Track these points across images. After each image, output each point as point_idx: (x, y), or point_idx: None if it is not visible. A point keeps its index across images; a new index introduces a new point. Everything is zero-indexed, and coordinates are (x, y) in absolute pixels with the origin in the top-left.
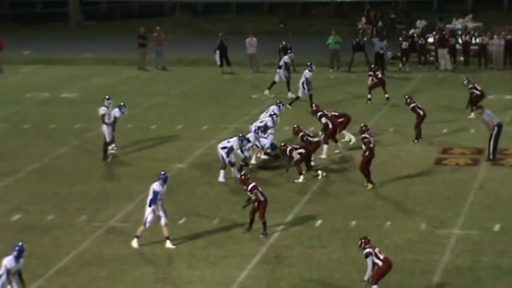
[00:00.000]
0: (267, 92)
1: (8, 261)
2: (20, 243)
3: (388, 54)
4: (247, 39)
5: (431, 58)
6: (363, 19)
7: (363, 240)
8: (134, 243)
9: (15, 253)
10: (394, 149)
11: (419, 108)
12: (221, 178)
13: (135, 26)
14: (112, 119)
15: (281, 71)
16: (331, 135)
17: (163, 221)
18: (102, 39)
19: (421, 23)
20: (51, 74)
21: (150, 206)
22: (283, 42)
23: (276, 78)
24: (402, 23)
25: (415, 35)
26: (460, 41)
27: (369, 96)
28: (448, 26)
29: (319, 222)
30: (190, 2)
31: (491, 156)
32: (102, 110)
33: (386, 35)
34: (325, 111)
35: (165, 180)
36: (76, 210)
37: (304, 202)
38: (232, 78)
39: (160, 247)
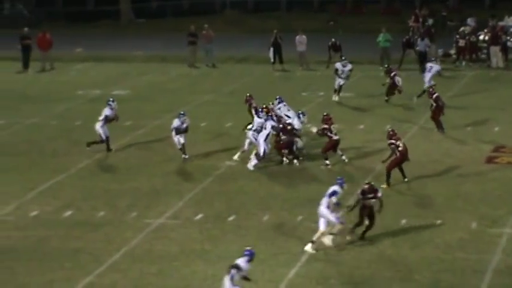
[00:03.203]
0: (335, 97)
1: (242, 262)
2: (249, 248)
3: (439, 52)
4: (297, 37)
5: (483, 56)
6: (413, 17)
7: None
8: (328, 240)
9: (247, 257)
10: (444, 147)
11: (440, 100)
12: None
13: (185, 24)
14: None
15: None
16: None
17: (334, 226)
18: (152, 37)
19: (471, 21)
20: (102, 71)
21: (326, 208)
22: (333, 40)
23: (339, 83)
24: (453, 21)
25: (465, 32)
26: None
27: (386, 98)
28: (500, 23)
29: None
30: (241, 0)
31: None
32: (107, 111)
33: (435, 33)
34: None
35: (342, 185)
36: (127, 207)
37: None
38: (282, 76)
39: (210, 244)
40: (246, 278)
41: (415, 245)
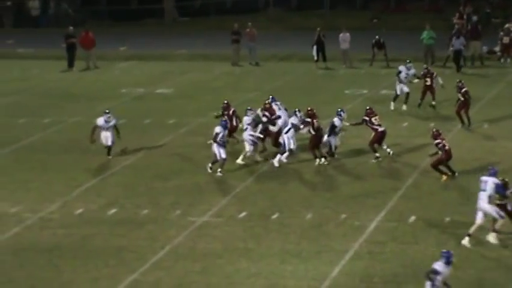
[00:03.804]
0: (392, 106)
1: (439, 266)
2: (446, 250)
3: (483, 49)
4: (341, 35)
5: None
6: (457, 14)
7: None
8: (493, 238)
9: (444, 259)
10: (488, 144)
11: (468, 94)
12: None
13: (228, 22)
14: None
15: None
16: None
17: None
18: (196, 35)
19: None
20: (146, 69)
21: (488, 203)
22: (376, 37)
23: (398, 91)
24: (498, 18)
25: (510, 29)
26: None
27: (420, 101)
28: None
29: (412, 218)
30: None
31: None
32: (99, 121)
33: (480, 31)
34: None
35: (495, 175)
36: (170, 205)
37: (398, 198)
38: (325, 74)
39: (253, 242)
40: (446, 284)
41: (459, 242)
